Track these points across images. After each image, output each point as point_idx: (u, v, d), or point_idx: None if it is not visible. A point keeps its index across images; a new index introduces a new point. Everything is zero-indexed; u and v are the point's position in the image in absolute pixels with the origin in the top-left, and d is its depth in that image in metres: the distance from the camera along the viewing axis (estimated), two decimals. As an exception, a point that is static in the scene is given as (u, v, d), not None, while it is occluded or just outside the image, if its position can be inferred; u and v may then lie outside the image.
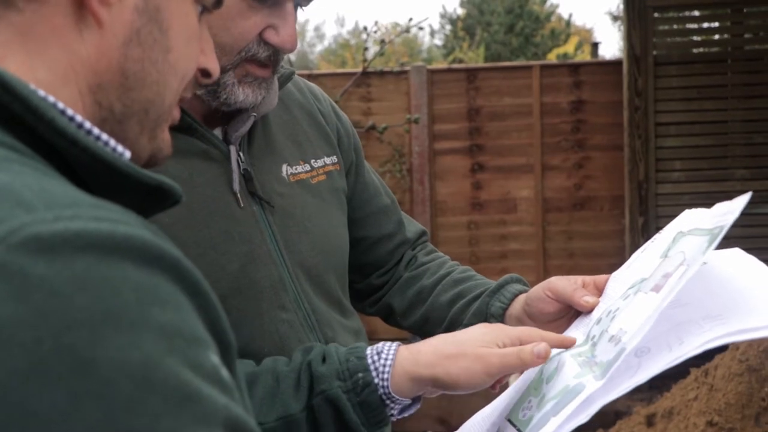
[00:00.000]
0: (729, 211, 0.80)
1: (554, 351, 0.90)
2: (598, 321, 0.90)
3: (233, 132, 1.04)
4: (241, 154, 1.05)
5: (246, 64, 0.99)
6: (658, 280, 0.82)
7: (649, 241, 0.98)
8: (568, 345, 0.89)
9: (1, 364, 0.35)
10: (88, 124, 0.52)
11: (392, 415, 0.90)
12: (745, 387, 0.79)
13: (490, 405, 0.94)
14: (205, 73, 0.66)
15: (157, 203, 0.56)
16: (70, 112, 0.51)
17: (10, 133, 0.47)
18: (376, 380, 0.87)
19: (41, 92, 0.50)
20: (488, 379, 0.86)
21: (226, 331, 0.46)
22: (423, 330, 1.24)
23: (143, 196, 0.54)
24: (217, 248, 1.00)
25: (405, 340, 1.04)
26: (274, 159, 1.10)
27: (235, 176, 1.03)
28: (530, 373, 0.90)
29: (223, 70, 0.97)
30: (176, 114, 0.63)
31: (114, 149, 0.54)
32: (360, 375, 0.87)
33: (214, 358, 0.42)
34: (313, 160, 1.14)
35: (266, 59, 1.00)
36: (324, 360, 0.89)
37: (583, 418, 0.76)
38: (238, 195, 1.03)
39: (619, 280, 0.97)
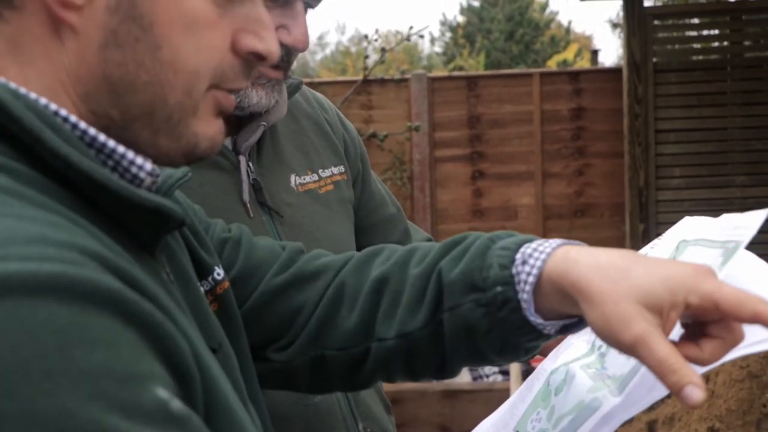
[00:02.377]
0: (742, 225, 0.75)
1: (560, 361, 0.89)
2: None
3: (243, 142, 1.05)
4: (251, 164, 1.06)
5: (259, 66, 1.00)
6: None
7: (647, 247, 0.94)
8: None
9: None
10: (102, 137, 0.51)
11: (549, 335, 0.72)
12: (746, 393, 0.80)
13: (493, 415, 0.93)
14: (258, 56, 0.59)
15: (163, 224, 0.54)
16: (83, 125, 0.50)
17: (12, 152, 0.47)
18: (518, 295, 0.69)
19: (43, 102, 0.49)
20: (623, 349, 0.63)
21: (185, 362, 0.44)
22: None
23: (145, 217, 0.52)
24: None
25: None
26: (282, 169, 1.10)
27: (245, 186, 1.03)
28: (536, 383, 0.90)
29: None
30: (227, 102, 0.59)
31: (132, 161, 0.53)
32: (499, 289, 0.69)
33: (161, 392, 0.39)
34: (321, 170, 1.15)
35: (279, 60, 1.01)
36: (460, 262, 0.73)
37: None
38: (248, 205, 1.03)
39: None
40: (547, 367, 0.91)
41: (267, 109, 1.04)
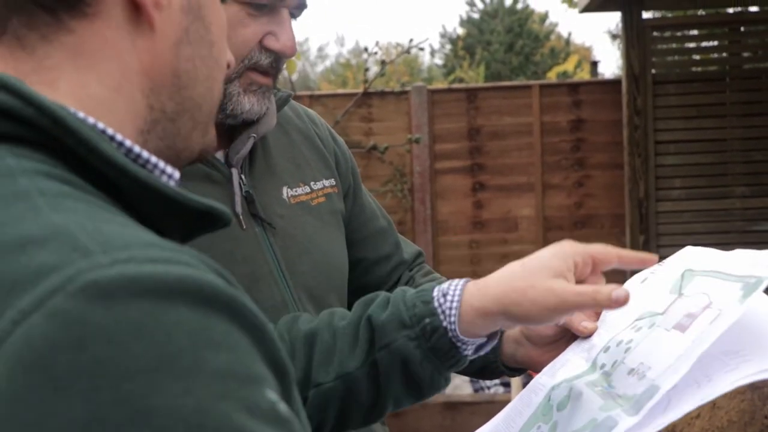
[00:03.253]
0: (761, 262, 0.77)
1: (561, 377, 0.88)
2: (606, 349, 0.88)
3: (234, 154, 1.05)
4: (243, 177, 1.07)
5: (249, 73, 1.02)
6: (680, 318, 0.80)
7: (646, 272, 0.94)
8: (648, 264, 0.87)
9: (61, 414, 0.36)
10: (137, 149, 0.53)
11: (467, 356, 0.86)
12: (747, 404, 0.80)
13: (484, 427, 0.92)
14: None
15: (206, 226, 0.56)
16: (119, 137, 0.52)
17: (62, 165, 0.48)
18: (444, 323, 0.83)
19: (90, 120, 0.51)
20: (559, 317, 0.82)
21: (283, 362, 0.46)
22: None
23: (193, 219, 0.54)
24: None
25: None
26: (274, 181, 1.11)
27: (238, 198, 1.04)
28: (534, 398, 0.89)
29: (228, 80, 0.99)
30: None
31: (163, 170, 0.55)
32: (427, 321, 0.83)
33: (271, 394, 0.42)
34: (312, 183, 1.15)
35: (268, 66, 1.02)
36: (386, 308, 0.85)
37: None
38: (241, 217, 1.04)
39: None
40: (544, 382, 0.91)
41: (258, 118, 1.05)
